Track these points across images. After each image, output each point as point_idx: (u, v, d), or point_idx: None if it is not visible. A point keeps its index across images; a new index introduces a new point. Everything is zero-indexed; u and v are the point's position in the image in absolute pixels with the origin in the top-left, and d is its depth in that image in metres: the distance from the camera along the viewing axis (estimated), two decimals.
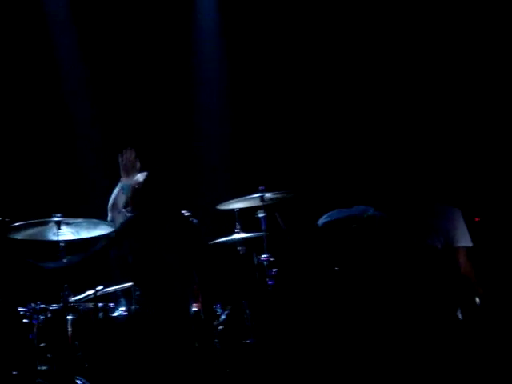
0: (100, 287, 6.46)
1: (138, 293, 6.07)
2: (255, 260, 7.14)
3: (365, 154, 8.78)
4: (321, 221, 6.85)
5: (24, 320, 6.37)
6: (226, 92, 9.25)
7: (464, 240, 6.08)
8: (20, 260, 6.51)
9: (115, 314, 6.40)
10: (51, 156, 8.77)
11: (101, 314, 6.38)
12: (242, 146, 9.11)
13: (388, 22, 8.84)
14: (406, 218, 6.16)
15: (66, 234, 6.39)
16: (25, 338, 6.37)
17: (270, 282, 7.00)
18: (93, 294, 6.43)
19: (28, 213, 6.70)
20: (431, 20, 8.70)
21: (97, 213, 7.05)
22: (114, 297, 6.58)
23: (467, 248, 6.09)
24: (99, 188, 8.54)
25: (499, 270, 7.16)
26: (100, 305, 6.40)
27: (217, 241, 7.11)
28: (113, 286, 6.61)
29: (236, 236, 7.17)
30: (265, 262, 7.00)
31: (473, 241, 6.13)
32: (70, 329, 6.19)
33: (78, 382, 6.11)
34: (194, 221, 6.31)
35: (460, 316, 5.97)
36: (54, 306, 6.43)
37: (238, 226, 7.18)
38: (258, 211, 7.14)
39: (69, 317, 6.22)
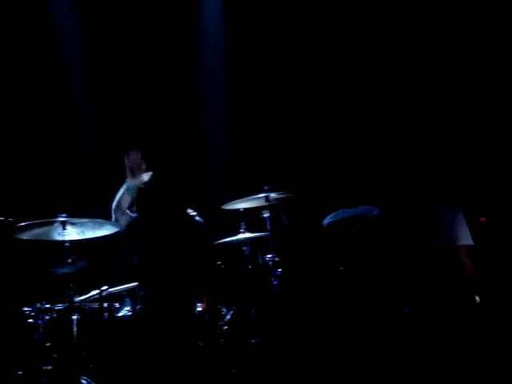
0: (105, 287, 6.47)
1: (142, 293, 6.07)
2: (260, 260, 7.14)
3: (369, 155, 8.77)
4: (326, 221, 6.85)
5: (29, 320, 6.39)
6: (231, 92, 9.24)
7: (466, 239, 6.12)
8: (31, 265, 6.49)
9: (120, 314, 6.41)
10: (56, 156, 8.77)
11: (106, 313, 6.39)
12: (247, 146, 9.10)
13: (388, 23, 8.84)
14: (409, 218, 6.17)
15: (72, 233, 6.39)
16: (30, 337, 6.38)
17: (275, 282, 7.00)
18: (98, 293, 6.43)
19: (33, 213, 6.71)
20: (431, 20, 8.69)
21: (102, 212, 7.06)
22: (119, 297, 6.59)
23: (468, 247, 6.12)
24: (104, 188, 8.54)
25: (505, 270, 7.15)
26: (105, 305, 6.41)
27: (222, 241, 7.12)
28: (118, 285, 6.62)
29: (241, 236, 7.18)
30: (270, 262, 7.01)
31: (479, 240, 6.16)
32: (75, 329, 6.19)
33: (83, 381, 6.12)
34: (200, 220, 6.32)
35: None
36: (59, 306, 6.44)
37: (242, 225, 7.18)
38: (263, 211, 7.15)
39: (74, 317, 6.23)
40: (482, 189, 8.28)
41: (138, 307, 6.16)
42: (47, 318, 6.39)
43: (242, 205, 7.16)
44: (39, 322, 6.36)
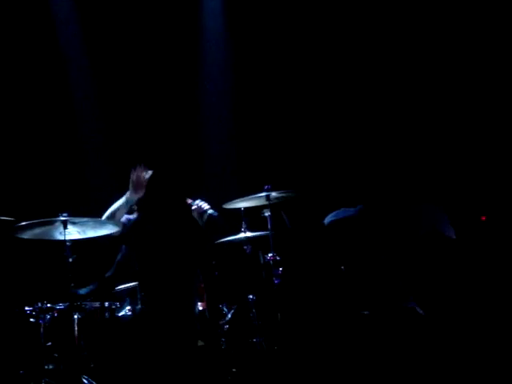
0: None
1: (143, 293, 6.07)
2: (261, 259, 7.14)
3: (370, 154, 8.77)
4: (327, 219, 6.85)
5: (31, 319, 6.40)
6: (232, 91, 9.25)
7: (448, 232, 6.21)
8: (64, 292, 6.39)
9: (121, 314, 6.41)
10: (57, 155, 8.78)
11: (107, 313, 6.40)
12: (247, 145, 9.11)
13: (388, 23, 8.85)
14: (397, 216, 6.24)
15: (73, 233, 6.39)
16: (31, 337, 6.39)
17: (276, 281, 6.99)
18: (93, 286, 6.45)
19: (34, 212, 6.71)
20: (429, 20, 8.70)
21: (103, 212, 7.07)
22: (120, 296, 6.59)
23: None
24: (105, 187, 8.56)
25: (505, 269, 7.15)
26: (106, 304, 6.41)
27: (223, 240, 7.12)
28: (118, 285, 6.63)
29: (242, 235, 7.17)
30: (271, 261, 7.00)
31: (480, 239, 6.20)
32: (76, 328, 6.20)
33: (85, 381, 6.13)
34: (215, 214, 6.32)
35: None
36: (60, 306, 6.45)
37: (243, 225, 7.18)
38: (264, 210, 7.13)
39: (75, 316, 6.23)
40: (482, 188, 8.28)
41: (139, 307, 6.17)
42: (48, 317, 6.39)
43: (242, 204, 7.15)
44: (40, 321, 6.37)
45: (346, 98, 8.98)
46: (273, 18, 9.11)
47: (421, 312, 6.07)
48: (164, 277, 5.83)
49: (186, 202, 6.34)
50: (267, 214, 7.13)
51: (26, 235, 6.38)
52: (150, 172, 6.34)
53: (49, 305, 6.41)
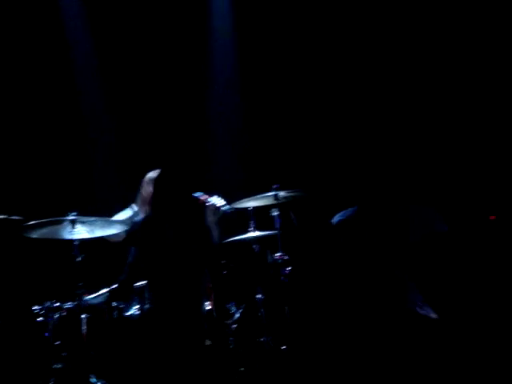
0: (114, 286, 6.49)
1: (151, 292, 6.08)
2: (269, 258, 7.14)
3: (371, 154, 8.76)
4: (335, 219, 6.85)
5: (39, 318, 6.40)
6: (240, 90, 9.25)
7: (440, 226, 6.23)
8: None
9: (128, 313, 6.42)
10: (66, 155, 8.79)
11: (115, 312, 6.40)
12: (255, 144, 9.10)
13: (387, 23, 8.84)
14: (390, 217, 6.26)
15: (81, 232, 6.40)
16: (40, 336, 6.40)
17: (284, 280, 6.99)
18: (107, 292, 6.45)
19: (43, 211, 6.72)
20: (429, 20, 8.69)
21: (111, 211, 7.08)
22: (128, 295, 6.59)
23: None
24: (114, 186, 8.57)
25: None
26: (114, 303, 6.42)
27: (231, 239, 7.12)
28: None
29: (250, 234, 7.17)
30: (279, 260, 7.00)
31: (489, 239, 6.20)
32: (84, 327, 6.20)
33: (92, 380, 6.13)
34: (229, 210, 6.33)
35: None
36: (68, 305, 6.46)
37: (252, 224, 7.18)
38: (272, 209, 7.14)
39: (83, 315, 6.24)
40: (491, 188, 8.25)
41: (147, 306, 6.17)
42: (57, 316, 6.40)
43: (251, 203, 7.15)
44: (49, 320, 6.38)
45: (353, 96, 8.98)
46: (281, 17, 9.11)
47: (435, 317, 6.06)
48: (172, 276, 5.84)
49: (196, 201, 6.34)
50: (275, 213, 7.13)
51: (35, 234, 6.40)
52: (157, 171, 6.35)
53: (57, 304, 6.41)
